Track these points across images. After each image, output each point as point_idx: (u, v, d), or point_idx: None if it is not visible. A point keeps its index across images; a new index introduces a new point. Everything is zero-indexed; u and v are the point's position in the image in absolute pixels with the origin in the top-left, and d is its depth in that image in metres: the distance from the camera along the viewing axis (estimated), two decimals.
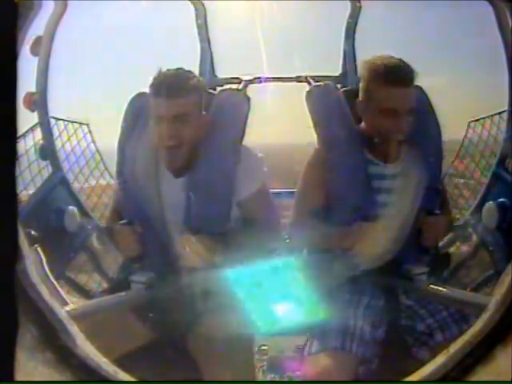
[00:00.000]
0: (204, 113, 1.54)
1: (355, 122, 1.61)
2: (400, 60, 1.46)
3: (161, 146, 1.50)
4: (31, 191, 2.06)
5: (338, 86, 1.98)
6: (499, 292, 0.68)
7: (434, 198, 1.57)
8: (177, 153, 1.47)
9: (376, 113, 1.49)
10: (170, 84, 1.43)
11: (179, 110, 1.43)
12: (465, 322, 1.39)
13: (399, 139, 1.49)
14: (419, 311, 1.50)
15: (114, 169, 1.67)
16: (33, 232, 1.29)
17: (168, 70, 1.47)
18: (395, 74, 1.43)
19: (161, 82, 1.44)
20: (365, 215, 1.41)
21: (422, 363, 0.75)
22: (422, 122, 1.63)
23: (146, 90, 1.52)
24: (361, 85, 1.56)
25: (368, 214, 1.41)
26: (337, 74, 2.80)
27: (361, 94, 1.55)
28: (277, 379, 1.91)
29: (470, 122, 3.60)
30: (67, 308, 1.03)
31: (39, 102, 1.98)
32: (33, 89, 1.97)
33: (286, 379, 1.94)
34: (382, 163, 1.57)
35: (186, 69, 1.53)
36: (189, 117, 1.45)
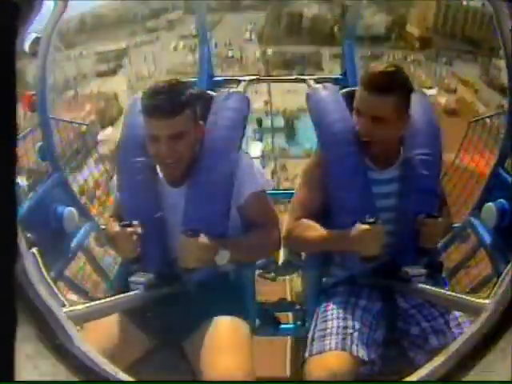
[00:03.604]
0: (200, 122, 1.54)
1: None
2: (388, 69, 1.46)
3: (158, 162, 1.51)
4: (31, 191, 2.06)
5: (338, 86, 1.99)
6: (498, 292, 0.68)
7: (432, 201, 1.58)
8: (175, 167, 1.48)
9: (355, 112, 1.55)
10: (162, 104, 1.38)
11: (173, 129, 1.41)
12: (459, 329, 1.40)
13: (362, 139, 1.53)
14: (416, 315, 1.50)
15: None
16: (31, 234, 1.29)
17: (158, 84, 1.42)
18: (372, 80, 1.46)
19: (152, 103, 1.39)
20: (363, 217, 1.41)
21: (419, 367, 0.75)
22: (421, 125, 1.64)
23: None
24: None
25: (366, 215, 1.41)
26: (337, 75, 2.81)
27: None
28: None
29: (469, 122, 3.61)
30: (66, 309, 1.03)
31: (39, 102, 1.97)
32: (32, 89, 1.97)
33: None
34: (379, 169, 1.58)
35: (178, 79, 1.49)
36: (184, 133, 1.43)
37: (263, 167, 17.42)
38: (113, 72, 25.18)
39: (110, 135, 18.82)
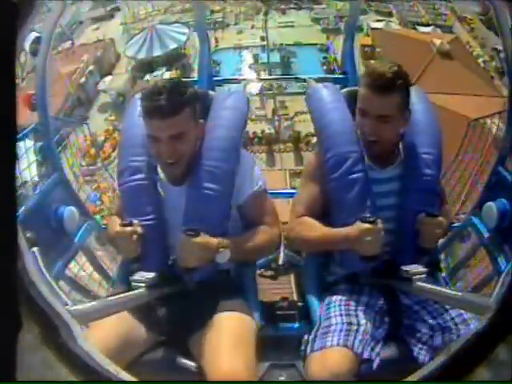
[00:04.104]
0: (200, 121, 1.54)
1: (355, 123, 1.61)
2: (392, 68, 1.46)
3: (159, 162, 1.51)
4: (31, 191, 2.06)
5: (338, 86, 1.99)
6: (499, 292, 0.68)
7: (433, 200, 1.58)
8: (176, 167, 1.48)
9: (356, 111, 1.56)
10: (161, 105, 1.38)
11: (174, 129, 1.41)
12: (465, 325, 1.40)
13: (369, 139, 1.53)
14: (421, 312, 1.50)
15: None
16: (32, 233, 1.29)
17: (157, 85, 1.41)
18: (377, 81, 1.46)
19: (152, 104, 1.39)
20: (363, 216, 1.41)
21: (422, 364, 0.75)
22: (421, 124, 1.64)
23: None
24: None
25: (366, 214, 1.42)
26: (337, 74, 2.81)
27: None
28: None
29: (469, 122, 3.61)
30: (69, 308, 1.03)
31: (39, 101, 1.98)
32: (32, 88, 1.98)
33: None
34: (379, 168, 1.58)
35: (177, 79, 1.49)
36: (184, 133, 1.44)
37: (263, 106, 16.91)
38: (110, 16, 24.35)
39: (111, 83, 18.69)
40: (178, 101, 1.41)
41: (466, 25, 21.76)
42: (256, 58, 20.56)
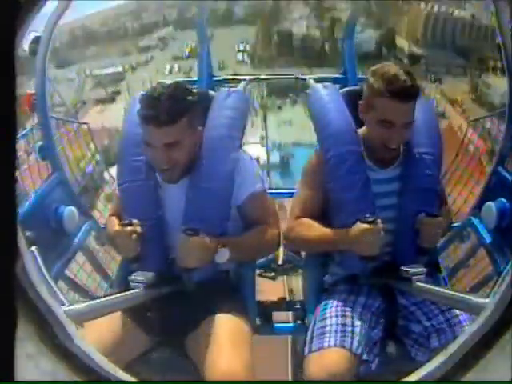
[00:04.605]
0: (199, 128, 1.52)
1: (355, 123, 1.61)
2: (406, 73, 1.45)
3: (156, 167, 1.51)
4: (31, 191, 2.06)
5: (338, 86, 1.99)
6: (499, 292, 0.68)
7: (433, 200, 1.58)
8: (171, 172, 1.48)
9: (374, 122, 1.51)
10: (159, 113, 1.36)
11: (170, 138, 1.40)
12: (460, 327, 1.40)
13: (391, 147, 1.51)
14: (416, 312, 1.50)
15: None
16: (32, 233, 1.29)
17: (156, 90, 1.39)
18: (404, 90, 1.42)
19: (149, 111, 1.38)
20: (363, 216, 1.41)
21: (420, 364, 0.75)
22: (422, 124, 1.64)
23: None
24: (364, 89, 1.55)
25: (366, 215, 1.42)
26: (337, 74, 2.81)
27: (363, 99, 1.55)
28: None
29: (469, 122, 3.61)
30: (66, 308, 1.03)
31: (39, 101, 1.98)
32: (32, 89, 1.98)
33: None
34: (379, 169, 1.58)
35: (177, 83, 1.47)
36: (180, 141, 1.42)
37: None
38: (111, 99, 24.60)
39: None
40: (176, 110, 1.38)
41: (458, 107, 21.77)
42: (257, 159, 20.72)
